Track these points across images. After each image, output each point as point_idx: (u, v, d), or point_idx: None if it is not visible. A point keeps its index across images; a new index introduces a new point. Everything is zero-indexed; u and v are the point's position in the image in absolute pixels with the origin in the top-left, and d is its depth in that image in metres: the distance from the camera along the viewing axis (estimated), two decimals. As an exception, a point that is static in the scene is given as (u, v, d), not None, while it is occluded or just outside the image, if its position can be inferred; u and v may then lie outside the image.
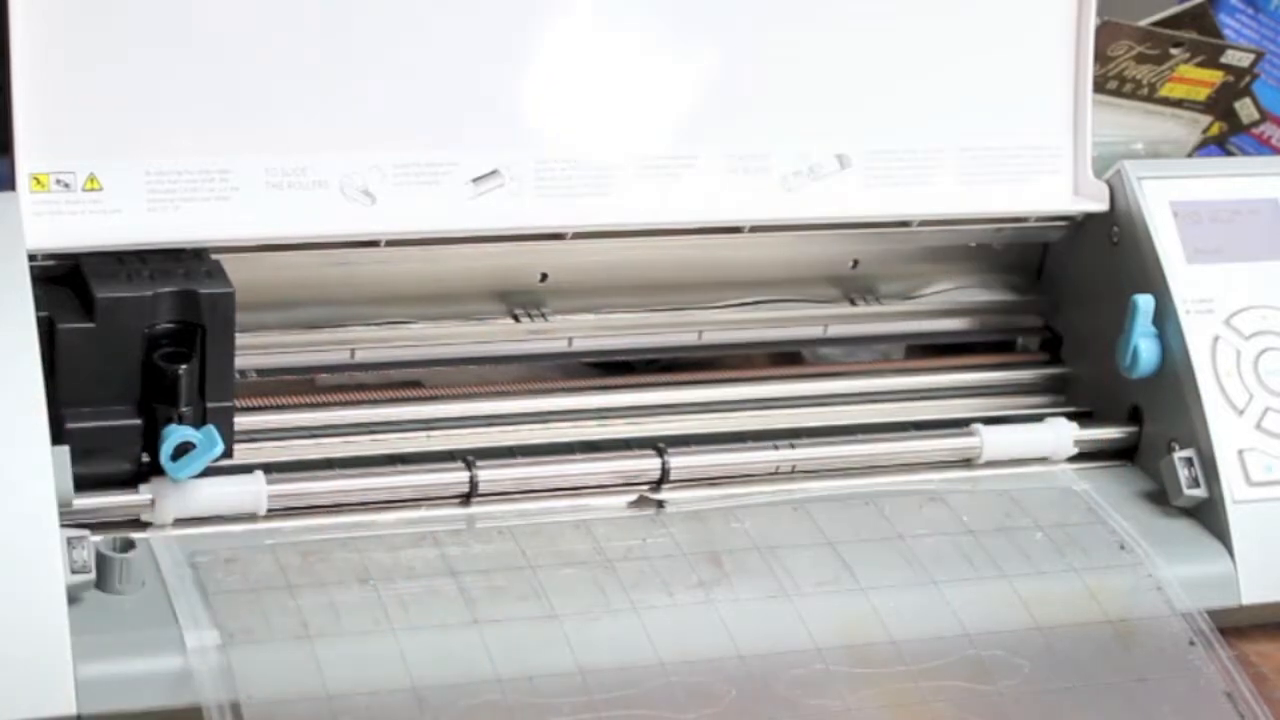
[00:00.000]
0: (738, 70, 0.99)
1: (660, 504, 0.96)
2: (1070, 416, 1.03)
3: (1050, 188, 1.05)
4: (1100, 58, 1.14)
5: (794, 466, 0.98)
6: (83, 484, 0.85)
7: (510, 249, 0.97)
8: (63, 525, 0.81)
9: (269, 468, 0.91)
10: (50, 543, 0.80)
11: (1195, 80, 1.21)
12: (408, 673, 0.82)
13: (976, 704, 0.86)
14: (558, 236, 0.97)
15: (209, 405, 0.87)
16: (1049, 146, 1.04)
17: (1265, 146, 1.28)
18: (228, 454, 0.88)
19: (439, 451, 0.95)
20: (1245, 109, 1.25)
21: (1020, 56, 1.04)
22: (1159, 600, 0.93)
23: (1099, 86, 1.12)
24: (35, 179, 0.89)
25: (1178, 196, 1.03)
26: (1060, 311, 1.08)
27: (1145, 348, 1.00)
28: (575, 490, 0.95)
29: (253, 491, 0.89)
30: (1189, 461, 0.98)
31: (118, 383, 0.86)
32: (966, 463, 1.01)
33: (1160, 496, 1.00)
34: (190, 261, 0.89)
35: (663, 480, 0.96)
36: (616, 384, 1.01)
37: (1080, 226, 1.05)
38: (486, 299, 1.00)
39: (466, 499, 0.93)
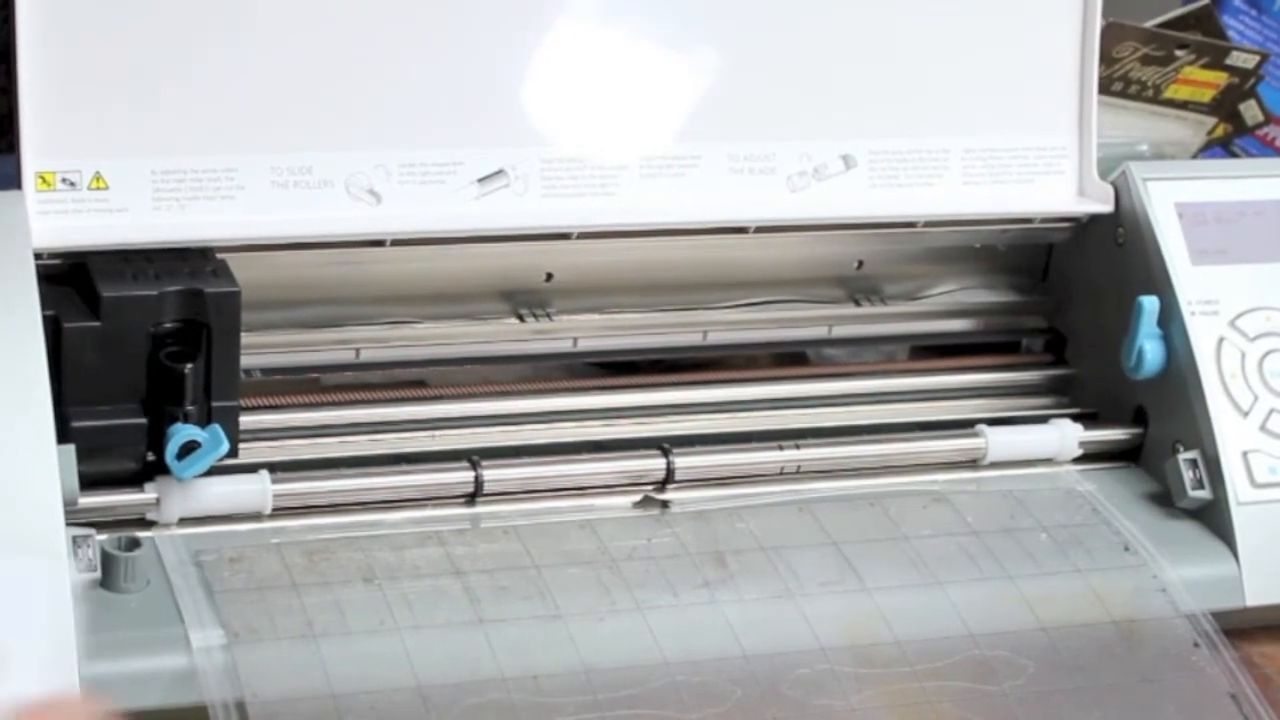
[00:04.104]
0: (743, 70, 0.99)
1: (665, 504, 0.96)
2: (1075, 418, 1.03)
3: (1055, 189, 1.05)
4: (1105, 59, 1.14)
5: (799, 467, 0.98)
6: (88, 483, 0.85)
7: (515, 249, 0.97)
8: (68, 524, 0.81)
9: (274, 467, 0.91)
10: (56, 541, 0.80)
11: (1200, 82, 1.21)
12: (413, 672, 0.82)
13: (981, 704, 0.86)
14: (563, 236, 0.97)
15: (214, 404, 0.87)
16: (1054, 148, 1.04)
17: (1270, 148, 1.28)
18: (233, 453, 0.87)
19: (444, 451, 0.95)
20: (1250, 111, 1.25)
21: (1025, 58, 1.04)
22: (1163, 601, 0.93)
23: (1104, 88, 1.12)
24: (41, 177, 0.89)
25: (1183, 198, 1.03)
26: (1065, 313, 1.08)
27: (1150, 349, 1.00)
28: (580, 490, 0.95)
29: (258, 491, 0.89)
30: (1193, 463, 0.98)
31: (123, 381, 0.86)
32: (971, 463, 1.01)
33: (1165, 498, 1.00)
34: (196, 260, 0.89)
35: (667, 480, 0.96)
36: (621, 384, 1.01)
37: (1085, 228, 1.06)
38: (491, 299, 1.00)
39: (471, 499, 0.93)
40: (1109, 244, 1.04)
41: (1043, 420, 1.03)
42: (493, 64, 0.95)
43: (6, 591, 0.78)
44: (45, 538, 0.80)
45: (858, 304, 1.06)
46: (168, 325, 0.87)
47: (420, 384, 1.00)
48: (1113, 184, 1.04)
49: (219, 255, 0.90)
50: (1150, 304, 1.00)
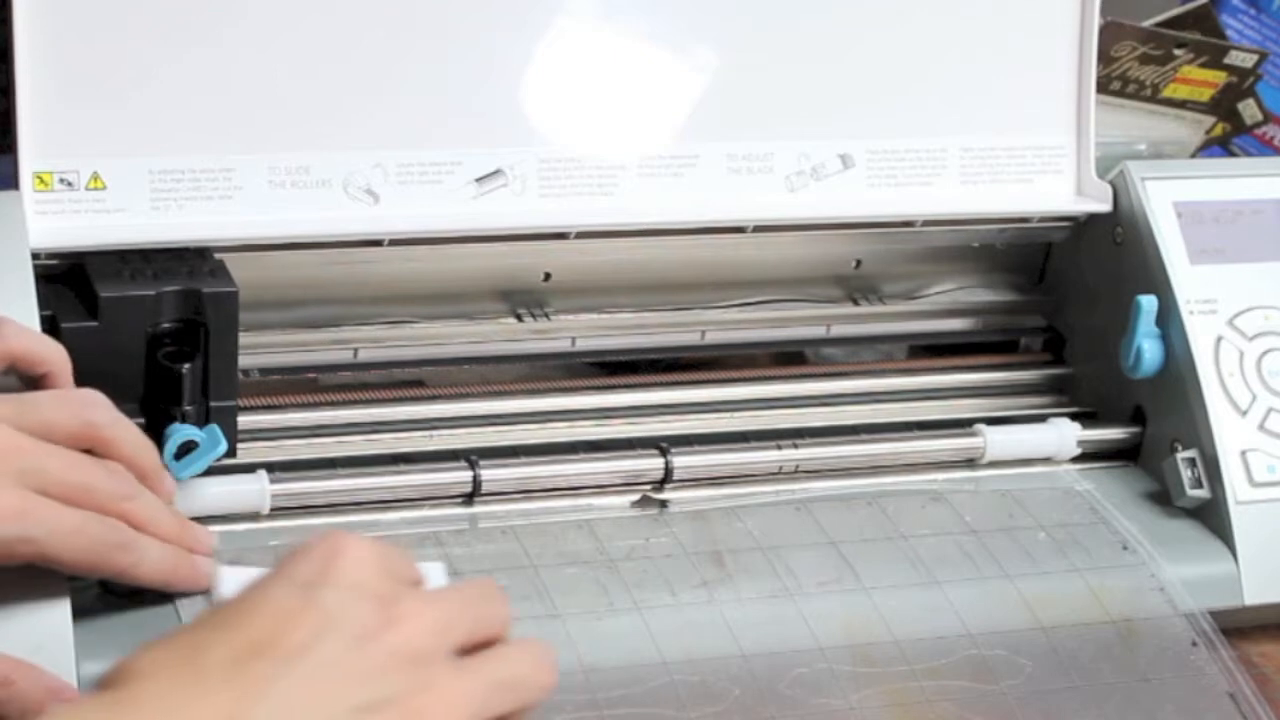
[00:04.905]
0: (741, 70, 0.99)
1: (663, 504, 0.96)
2: (1073, 417, 1.03)
3: (1053, 188, 1.05)
4: (1104, 58, 1.14)
5: (797, 466, 0.98)
6: (86, 483, 0.85)
7: (513, 248, 0.97)
8: (66, 524, 0.81)
9: (272, 467, 0.91)
10: (53, 541, 0.80)
11: (1198, 81, 1.21)
12: (411, 672, 0.82)
13: (979, 703, 0.86)
14: (561, 236, 0.97)
15: (212, 404, 0.87)
16: (1052, 147, 1.04)
17: (1268, 147, 1.28)
18: (231, 453, 0.88)
19: (442, 451, 0.95)
20: (1248, 110, 1.24)
21: (1024, 57, 1.04)
22: (1161, 601, 0.93)
23: (1102, 87, 1.12)
24: (39, 178, 0.89)
25: (1181, 197, 1.03)
26: (1063, 312, 1.08)
27: (1148, 348, 1.00)
28: (578, 490, 0.95)
29: (256, 491, 0.89)
30: (1192, 462, 0.98)
31: (121, 382, 0.86)
32: (969, 463, 1.01)
33: (1163, 497, 1.00)
34: (194, 260, 0.89)
35: (665, 480, 0.96)
36: (619, 384, 1.01)
37: (1083, 227, 1.06)
38: (489, 298, 1.00)
39: (469, 499, 0.93)
40: (1107, 243, 1.04)
41: (1041, 419, 1.03)
42: (490, 64, 0.95)
43: (5, 592, 0.78)
44: (43, 538, 0.80)
45: (856, 303, 1.06)
46: (165, 325, 0.87)
47: (418, 384, 1.00)
48: (1111, 183, 1.04)
49: (217, 255, 0.90)
50: (1148, 303, 1.00)
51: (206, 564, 0.82)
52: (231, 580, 0.69)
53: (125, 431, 0.80)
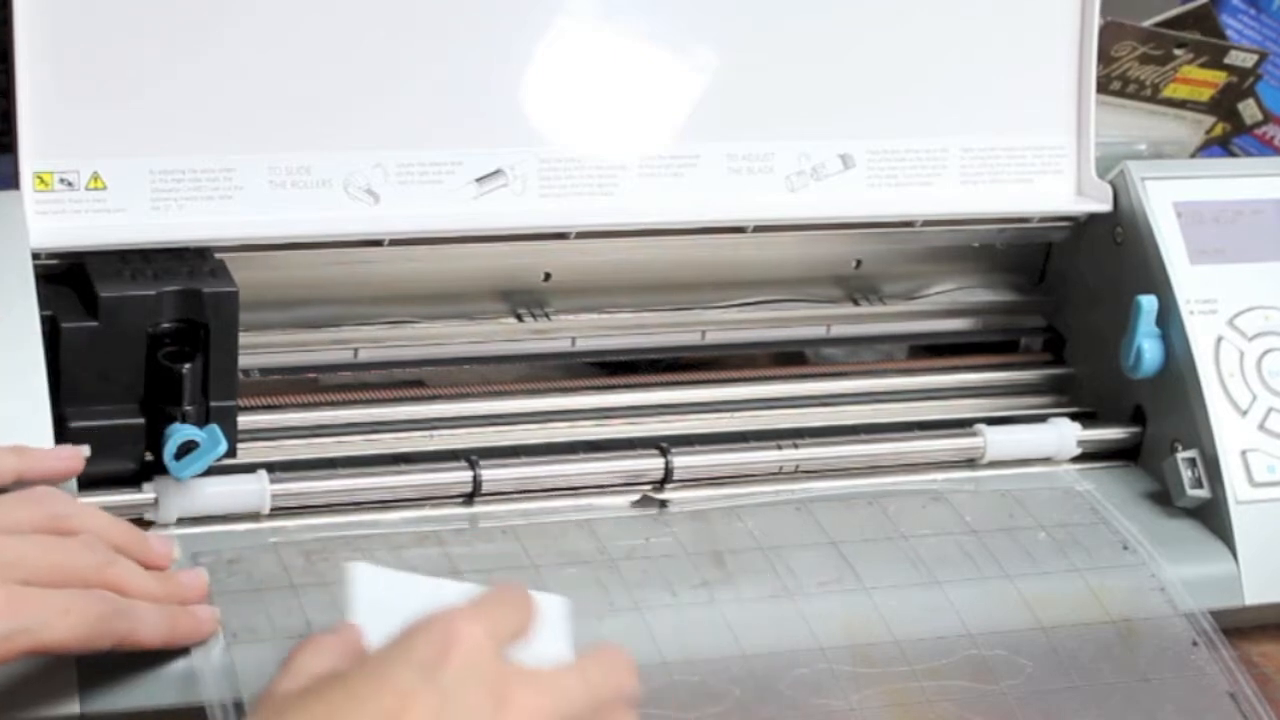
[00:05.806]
0: (741, 70, 0.99)
1: (663, 503, 0.96)
2: (1073, 417, 1.03)
3: (1053, 188, 1.05)
4: (1104, 58, 1.14)
5: (797, 466, 0.98)
6: (86, 483, 0.85)
7: (513, 248, 0.97)
8: (66, 524, 0.81)
9: (272, 467, 0.91)
10: (54, 541, 0.80)
11: (1198, 81, 1.21)
12: (411, 672, 0.82)
13: (979, 704, 0.86)
14: (561, 236, 0.97)
15: (212, 404, 0.87)
16: (1052, 147, 1.04)
17: (1268, 147, 1.28)
18: (231, 453, 0.88)
19: (442, 451, 0.95)
20: (1248, 110, 1.25)
21: (1024, 57, 1.04)
22: (1162, 600, 0.93)
23: (1102, 87, 1.12)
24: (39, 178, 0.89)
25: (1181, 197, 1.03)
26: (1063, 312, 1.08)
27: (1148, 348, 1.00)
28: (578, 490, 0.95)
29: (256, 491, 0.89)
30: (1192, 462, 0.98)
31: (121, 382, 0.86)
32: (970, 463, 1.01)
33: (1163, 497, 1.00)
34: (194, 260, 0.89)
35: (666, 480, 0.96)
36: (619, 384, 1.01)
37: (1083, 227, 1.06)
38: (490, 298, 1.00)
39: (470, 498, 0.93)
40: (1107, 243, 1.04)
41: (1041, 419, 1.03)
42: (491, 64, 0.95)
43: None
44: (43, 538, 0.80)
45: (856, 303, 1.06)
46: (166, 325, 0.87)
47: (418, 384, 1.00)
48: (1111, 183, 1.04)
49: (217, 255, 0.90)
50: (1149, 303, 1.00)
51: (205, 611, 0.81)
52: (367, 581, 0.70)
53: (90, 516, 0.80)
